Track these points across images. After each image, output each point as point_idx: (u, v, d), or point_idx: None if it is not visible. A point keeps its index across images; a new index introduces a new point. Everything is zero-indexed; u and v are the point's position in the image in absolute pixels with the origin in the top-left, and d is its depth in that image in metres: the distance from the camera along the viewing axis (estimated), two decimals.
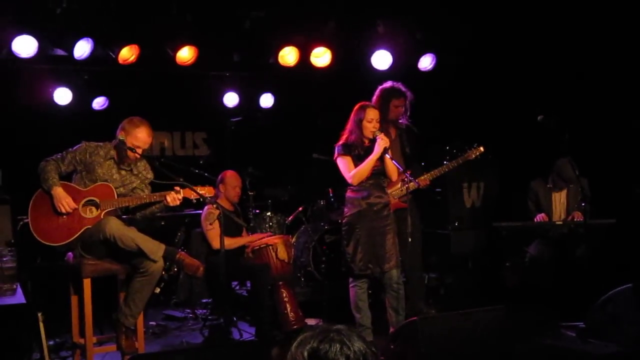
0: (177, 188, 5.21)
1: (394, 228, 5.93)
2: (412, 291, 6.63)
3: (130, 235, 5.01)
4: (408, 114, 6.57)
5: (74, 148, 5.25)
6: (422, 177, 6.37)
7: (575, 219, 6.93)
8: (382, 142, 5.71)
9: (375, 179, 5.89)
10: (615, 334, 5.56)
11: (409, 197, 6.05)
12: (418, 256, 6.70)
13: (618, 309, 5.60)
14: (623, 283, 5.67)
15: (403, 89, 6.50)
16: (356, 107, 5.90)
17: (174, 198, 5.18)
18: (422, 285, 6.90)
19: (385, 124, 6.48)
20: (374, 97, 6.51)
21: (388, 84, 6.53)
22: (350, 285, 5.99)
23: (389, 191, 6.09)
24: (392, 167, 5.84)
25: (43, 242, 5.00)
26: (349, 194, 5.99)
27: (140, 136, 5.26)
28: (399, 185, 6.17)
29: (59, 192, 5.02)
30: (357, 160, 5.83)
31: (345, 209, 6.01)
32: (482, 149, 6.50)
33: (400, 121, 6.57)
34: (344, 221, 6.02)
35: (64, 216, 5.03)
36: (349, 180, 5.87)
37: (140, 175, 5.40)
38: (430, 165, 6.76)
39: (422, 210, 6.84)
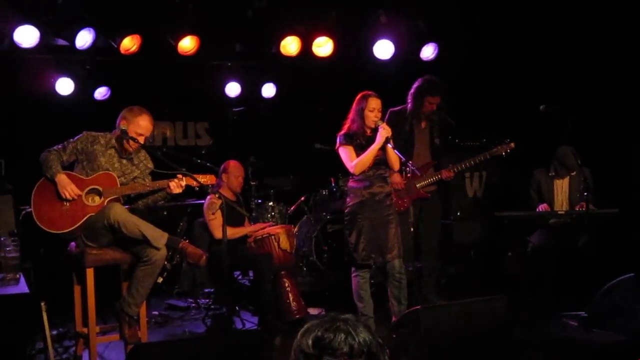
0: (180, 175, 5.22)
1: (396, 218, 5.94)
2: (425, 283, 6.66)
3: (134, 221, 5.02)
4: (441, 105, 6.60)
5: (75, 138, 5.26)
6: (446, 169, 6.42)
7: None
8: (383, 131, 5.70)
9: (377, 169, 5.88)
10: (618, 324, 5.56)
11: (435, 188, 6.19)
12: (433, 247, 6.73)
13: (620, 298, 5.60)
14: (625, 272, 5.67)
15: (440, 83, 6.56)
16: (358, 96, 5.89)
17: (176, 185, 5.19)
18: (434, 276, 6.92)
19: (417, 116, 6.52)
20: (411, 89, 6.56)
21: (427, 77, 6.59)
22: (353, 274, 6.00)
23: (415, 182, 6.15)
24: (394, 156, 5.83)
25: (46, 229, 5.00)
26: (351, 183, 5.99)
27: (142, 124, 5.27)
28: (403, 176, 6.20)
29: (63, 178, 5.03)
30: (359, 149, 5.82)
31: (348, 199, 6.02)
32: (513, 145, 6.53)
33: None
34: (346, 211, 6.02)
35: (67, 204, 5.04)
36: (351, 170, 5.87)
37: (140, 165, 5.41)
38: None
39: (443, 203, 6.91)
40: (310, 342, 2.00)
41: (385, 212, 5.87)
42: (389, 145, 5.74)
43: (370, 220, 5.84)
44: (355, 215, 5.89)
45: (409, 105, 6.59)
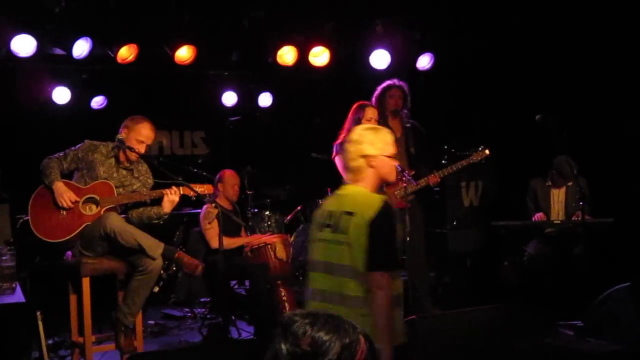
0: (174, 188, 5.20)
1: None
2: (420, 293, 6.66)
3: (130, 230, 5.02)
4: (408, 105, 6.59)
5: (77, 146, 5.26)
6: (432, 175, 6.40)
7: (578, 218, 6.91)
8: None
9: None
10: (613, 333, 5.57)
11: (413, 197, 6.15)
12: (421, 257, 6.72)
13: (616, 307, 5.61)
14: (621, 282, 5.68)
15: (396, 80, 6.56)
16: (354, 106, 5.91)
17: (168, 202, 5.17)
18: (427, 286, 6.92)
19: (391, 121, 6.53)
20: (373, 99, 6.56)
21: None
22: None
23: (393, 191, 6.12)
24: None
25: (43, 238, 5.00)
26: None
27: (143, 132, 5.27)
28: (399, 186, 6.18)
29: (60, 186, 5.03)
30: None
31: None
32: (487, 152, 6.52)
33: (405, 119, 6.59)
34: None
35: (64, 213, 5.04)
36: None
37: (141, 178, 5.40)
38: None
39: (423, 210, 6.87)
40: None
41: None
42: None
43: None
44: None
45: (377, 110, 6.61)
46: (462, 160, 6.54)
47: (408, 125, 6.60)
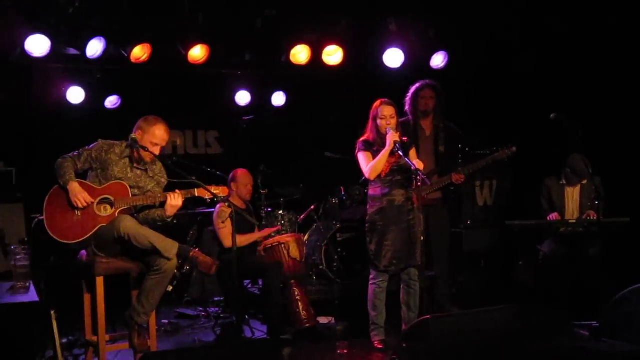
0: (177, 192, 5.18)
1: (418, 222, 5.88)
2: (439, 290, 6.66)
3: (145, 233, 5.01)
4: (442, 103, 6.65)
5: (91, 146, 5.25)
6: (455, 173, 6.40)
7: (590, 217, 6.87)
8: (391, 137, 5.70)
9: (394, 175, 5.86)
10: (629, 333, 5.53)
11: (439, 195, 6.40)
12: (445, 255, 6.72)
13: (632, 308, 5.57)
14: (637, 282, 5.64)
15: (429, 81, 6.65)
16: (374, 104, 5.93)
17: (170, 205, 5.17)
18: (447, 284, 6.91)
19: (422, 121, 6.63)
20: (407, 99, 6.66)
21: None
22: (370, 282, 5.94)
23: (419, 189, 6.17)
24: (404, 163, 5.82)
25: (57, 239, 5.00)
26: (370, 191, 5.99)
27: (158, 133, 5.25)
28: (413, 185, 6.16)
29: (75, 187, 5.02)
30: (377, 156, 5.83)
31: (368, 206, 5.99)
32: (515, 149, 6.51)
33: (437, 118, 6.66)
34: (366, 218, 6.00)
35: (79, 214, 5.03)
36: (366, 175, 5.87)
37: (155, 177, 5.38)
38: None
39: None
40: None
41: (405, 218, 5.82)
42: (399, 152, 5.71)
43: (390, 227, 5.80)
44: (375, 222, 5.86)
45: (408, 109, 6.63)
46: (488, 156, 6.54)
47: (440, 125, 6.62)
